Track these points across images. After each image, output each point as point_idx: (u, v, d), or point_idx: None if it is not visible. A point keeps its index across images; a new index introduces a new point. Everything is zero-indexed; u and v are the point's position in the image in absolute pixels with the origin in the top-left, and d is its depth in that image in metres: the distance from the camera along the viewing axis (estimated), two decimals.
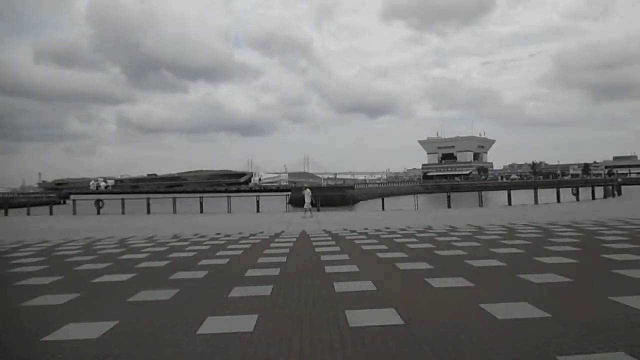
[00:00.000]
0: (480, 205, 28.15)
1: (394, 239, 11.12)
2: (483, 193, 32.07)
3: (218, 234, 14.04)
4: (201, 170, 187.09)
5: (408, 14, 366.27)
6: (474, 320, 4.28)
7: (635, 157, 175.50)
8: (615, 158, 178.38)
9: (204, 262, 8.42)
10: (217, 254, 9.49)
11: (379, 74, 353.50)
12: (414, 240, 10.83)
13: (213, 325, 4.40)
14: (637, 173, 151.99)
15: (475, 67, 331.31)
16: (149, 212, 29.01)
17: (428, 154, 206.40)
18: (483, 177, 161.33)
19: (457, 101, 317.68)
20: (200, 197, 29.74)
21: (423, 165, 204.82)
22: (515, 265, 6.98)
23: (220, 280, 6.77)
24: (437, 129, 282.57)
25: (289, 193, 44.92)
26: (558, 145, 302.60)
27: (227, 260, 8.61)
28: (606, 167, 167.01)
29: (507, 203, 27.53)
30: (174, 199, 29.61)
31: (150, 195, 34.76)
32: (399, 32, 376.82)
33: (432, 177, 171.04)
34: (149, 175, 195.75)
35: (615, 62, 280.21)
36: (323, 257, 8.45)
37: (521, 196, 30.96)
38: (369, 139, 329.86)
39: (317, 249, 9.70)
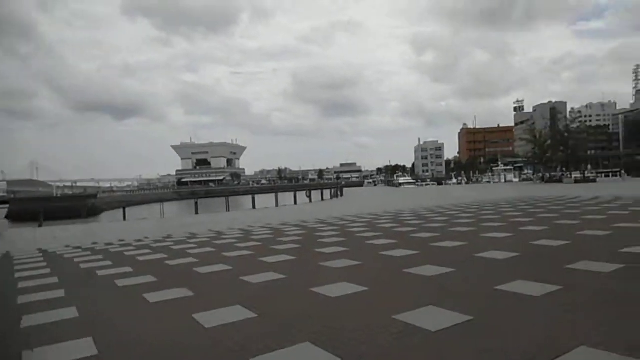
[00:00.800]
0: (228, 210, 29.00)
1: (124, 252, 10.11)
2: (235, 198, 33.31)
3: None
4: None
5: (151, 12, 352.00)
6: (181, 334, 4.03)
7: (355, 164, 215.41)
8: (341, 165, 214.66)
9: None
10: None
11: (126, 72, 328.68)
12: (147, 251, 10.08)
13: None
14: (357, 177, 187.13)
15: (226, 76, 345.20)
16: None
17: (182, 159, 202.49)
18: (236, 182, 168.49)
19: (209, 107, 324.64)
20: None
21: (177, 171, 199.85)
22: (240, 269, 7.15)
23: None
24: (191, 135, 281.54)
25: (7, 206, 36.72)
26: (300, 153, 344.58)
27: None
28: (335, 173, 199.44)
29: (252, 207, 29.18)
30: None
31: None
32: (144, 30, 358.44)
33: (186, 183, 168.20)
34: None
35: (337, 84, 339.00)
36: (22, 284, 6.89)
37: (265, 200, 33.39)
38: (117, 143, 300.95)
39: (17, 274, 7.90)
